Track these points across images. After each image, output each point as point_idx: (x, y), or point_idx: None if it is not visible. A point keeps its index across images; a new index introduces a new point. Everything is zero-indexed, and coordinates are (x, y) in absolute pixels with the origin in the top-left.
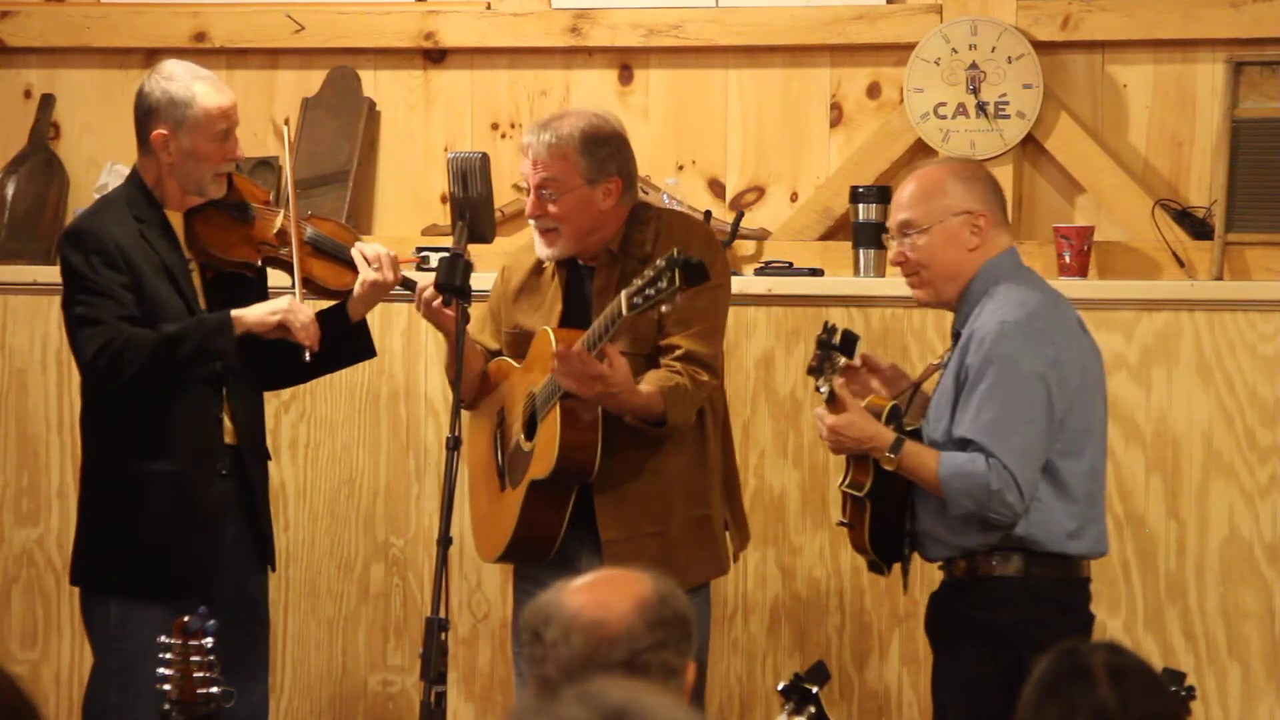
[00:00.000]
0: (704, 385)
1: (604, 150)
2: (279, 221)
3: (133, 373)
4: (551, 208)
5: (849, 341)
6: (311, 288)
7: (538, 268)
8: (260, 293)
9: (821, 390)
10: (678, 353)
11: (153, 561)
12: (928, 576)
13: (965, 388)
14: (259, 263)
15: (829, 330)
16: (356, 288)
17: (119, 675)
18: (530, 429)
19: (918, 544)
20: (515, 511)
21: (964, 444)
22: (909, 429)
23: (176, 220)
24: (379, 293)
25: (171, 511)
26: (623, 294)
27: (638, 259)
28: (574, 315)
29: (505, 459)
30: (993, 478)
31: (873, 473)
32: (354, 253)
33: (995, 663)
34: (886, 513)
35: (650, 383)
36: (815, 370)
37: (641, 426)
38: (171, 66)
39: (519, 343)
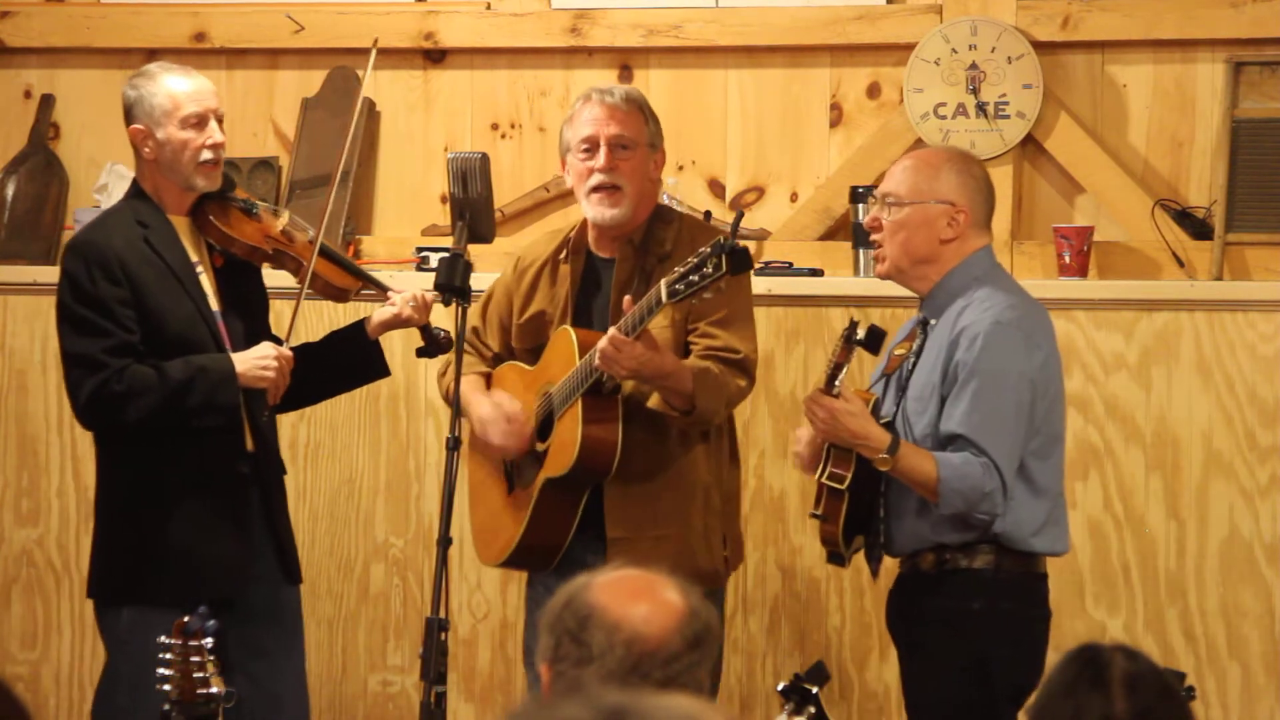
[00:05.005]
0: (736, 383)
1: (657, 123)
2: (282, 222)
3: (137, 417)
4: (623, 162)
5: (876, 337)
6: (315, 284)
7: (555, 257)
8: (262, 291)
9: (839, 384)
10: (710, 343)
11: (171, 568)
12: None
13: (957, 384)
14: (270, 253)
15: (854, 326)
16: (384, 311)
17: (128, 678)
18: (545, 429)
19: (888, 538)
20: (526, 514)
21: (950, 440)
22: (883, 421)
23: (181, 224)
24: (401, 324)
25: (192, 517)
26: (663, 281)
27: (657, 256)
28: (586, 304)
29: (513, 462)
30: (987, 479)
31: (854, 466)
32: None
33: (962, 651)
34: (860, 506)
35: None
36: (840, 368)
37: (668, 414)
38: (147, 67)
39: (534, 328)
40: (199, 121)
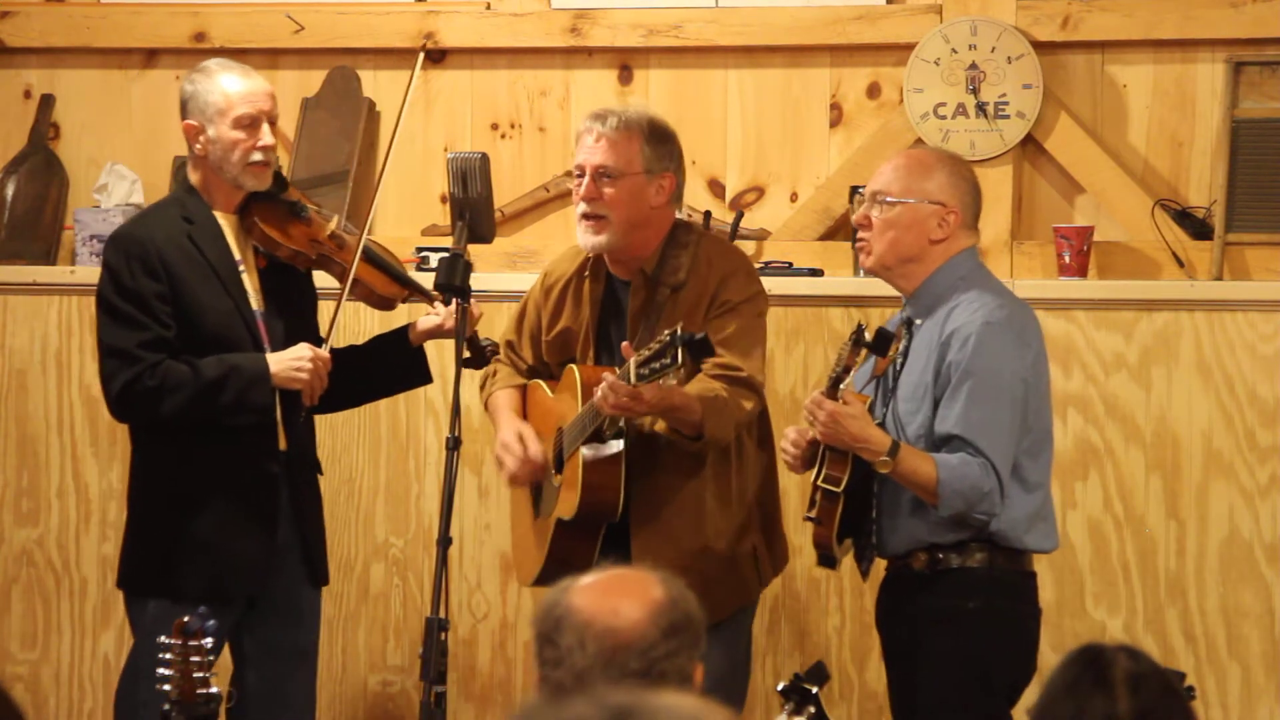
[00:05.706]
0: (743, 404)
1: (665, 146)
2: (332, 226)
3: (169, 413)
4: (608, 191)
5: (884, 340)
6: (359, 291)
7: (579, 274)
8: (310, 292)
9: (843, 388)
10: (717, 360)
11: (196, 563)
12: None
13: (951, 385)
14: (314, 258)
15: (861, 329)
16: (429, 320)
17: (149, 670)
18: (559, 462)
19: (880, 539)
20: (546, 543)
21: (945, 440)
22: (875, 423)
23: (228, 221)
24: (445, 334)
25: (220, 513)
26: (631, 360)
27: (670, 286)
28: (608, 325)
29: (537, 487)
30: (985, 479)
31: (850, 469)
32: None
33: (958, 650)
34: (853, 509)
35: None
36: (847, 371)
37: (678, 440)
38: (206, 63)
39: (561, 343)
40: (251, 123)
